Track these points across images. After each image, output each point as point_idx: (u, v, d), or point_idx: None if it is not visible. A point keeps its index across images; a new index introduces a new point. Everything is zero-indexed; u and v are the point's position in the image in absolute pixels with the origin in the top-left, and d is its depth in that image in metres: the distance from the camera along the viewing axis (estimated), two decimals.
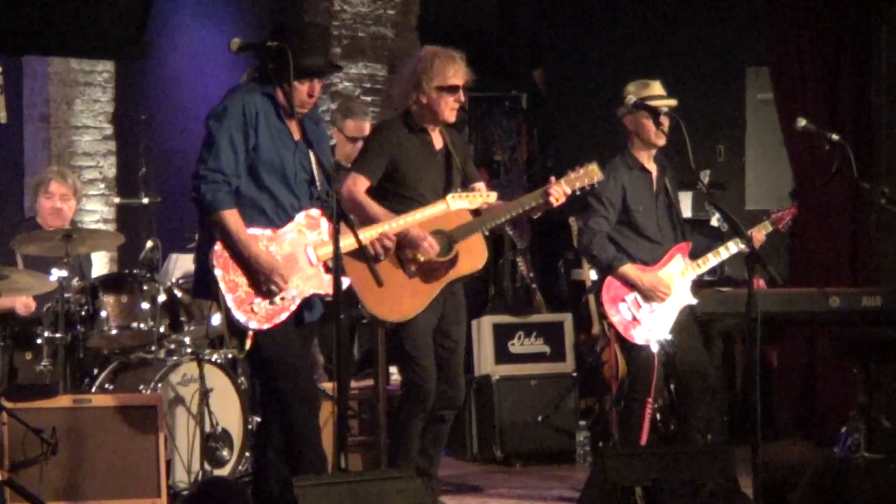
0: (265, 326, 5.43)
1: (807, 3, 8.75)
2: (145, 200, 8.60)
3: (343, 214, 5.17)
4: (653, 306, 6.69)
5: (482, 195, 6.07)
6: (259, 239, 5.45)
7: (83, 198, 8.74)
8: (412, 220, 5.95)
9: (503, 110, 10.49)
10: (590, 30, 10.45)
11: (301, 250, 5.53)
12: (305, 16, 9.54)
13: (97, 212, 9.39)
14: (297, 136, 5.57)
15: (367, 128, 7.51)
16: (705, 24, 9.71)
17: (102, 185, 9.41)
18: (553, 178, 6.17)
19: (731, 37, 9.54)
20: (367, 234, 5.71)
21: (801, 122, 6.86)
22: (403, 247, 6.01)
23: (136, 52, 8.94)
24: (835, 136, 6.83)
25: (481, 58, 6.26)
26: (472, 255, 6.16)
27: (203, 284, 5.54)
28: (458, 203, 6.02)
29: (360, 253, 5.37)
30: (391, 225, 5.85)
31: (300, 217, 5.57)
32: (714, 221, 8.79)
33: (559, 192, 6.11)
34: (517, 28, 10.93)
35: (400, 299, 6.01)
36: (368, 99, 9.60)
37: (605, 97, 6.90)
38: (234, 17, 9.73)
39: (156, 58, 9.25)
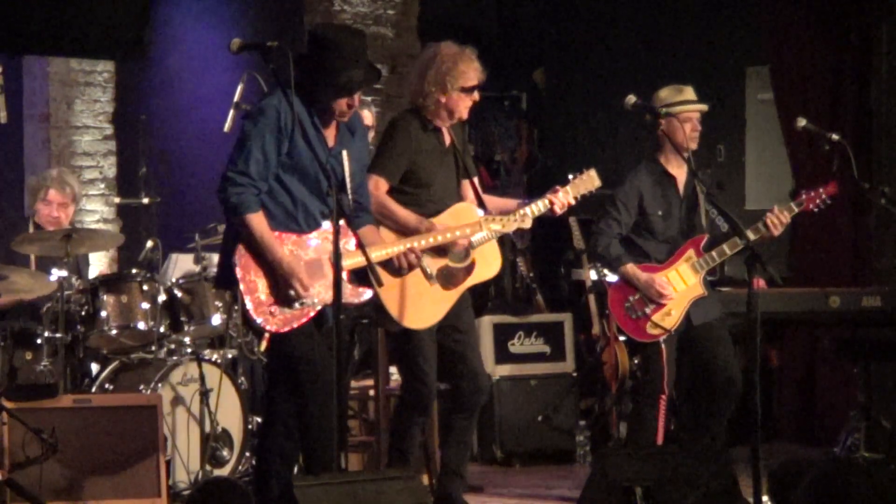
0: (282, 330, 5.42)
1: (807, 3, 8.75)
2: (145, 200, 8.61)
3: (344, 214, 5.16)
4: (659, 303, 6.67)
5: (516, 219, 6.07)
6: (284, 243, 5.42)
7: (83, 198, 8.74)
8: (442, 239, 5.94)
9: (503, 110, 10.48)
10: (590, 30, 10.45)
11: (326, 258, 5.48)
12: (305, 16, 9.53)
13: (97, 212, 9.40)
14: (331, 142, 5.55)
15: (368, 118, 7.50)
16: (705, 24, 9.70)
17: (102, 185, 9.41)
18: (559, 187, 6.19)
19: (731, 37, 9.53)
20: (395, 249, 5.73)
21: (801, 122, 6.86)
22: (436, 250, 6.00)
23: (135, 52, 8.97)
24: (835, 136, 6.82)
25: (481, 58, 6.25)
26: (488, 262, 6.18)
27: (225, 276, 5.53)
28: (493, 226, 6.03)
29: (366, 256, 5.34)
30: (420, 242, 5.83)
31: (328, 225, 5.53)
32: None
33: (562, 201, 6.16)
34: (517, 28, 10.93)
35: (423, 307, 6.01)
36: (368, 99, 9.58)
37: (605, 97, 6.88)
38: (234, 17, 9.72)
39: (156, 58, 9.26)
